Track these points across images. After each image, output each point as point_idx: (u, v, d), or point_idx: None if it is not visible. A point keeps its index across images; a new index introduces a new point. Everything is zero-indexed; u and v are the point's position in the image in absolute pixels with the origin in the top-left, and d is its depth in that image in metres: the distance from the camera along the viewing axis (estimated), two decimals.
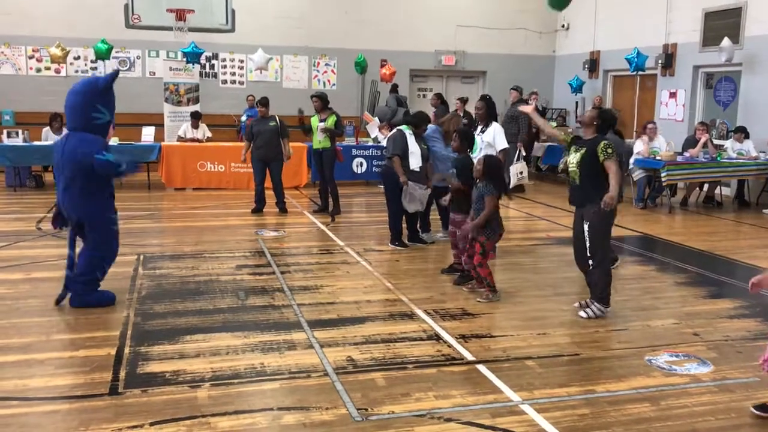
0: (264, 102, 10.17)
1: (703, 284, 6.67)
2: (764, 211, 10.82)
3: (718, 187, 11.82)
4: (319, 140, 9.96)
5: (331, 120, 9.92)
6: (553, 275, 6.93)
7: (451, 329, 5.24)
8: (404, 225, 8.10)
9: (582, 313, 5.58)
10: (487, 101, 7.39)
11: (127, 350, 4.73)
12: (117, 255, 5.91)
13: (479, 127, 7.38)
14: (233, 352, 4.74)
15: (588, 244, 5.55)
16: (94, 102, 5.49)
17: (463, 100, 12.90)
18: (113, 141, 11.73)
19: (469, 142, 6.85)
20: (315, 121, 10.00)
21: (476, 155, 6.94)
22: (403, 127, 7.86)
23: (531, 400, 4.05)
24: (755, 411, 3.92)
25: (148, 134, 12.27)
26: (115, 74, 5.59)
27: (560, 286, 6.45)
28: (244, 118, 13.89)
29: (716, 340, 5.10)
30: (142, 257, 7.30)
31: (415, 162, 7.60)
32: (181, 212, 10.27)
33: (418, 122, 7.81)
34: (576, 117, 15.84)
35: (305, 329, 5.20)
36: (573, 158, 5.67)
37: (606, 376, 4.42)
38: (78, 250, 5.70)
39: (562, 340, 5.09)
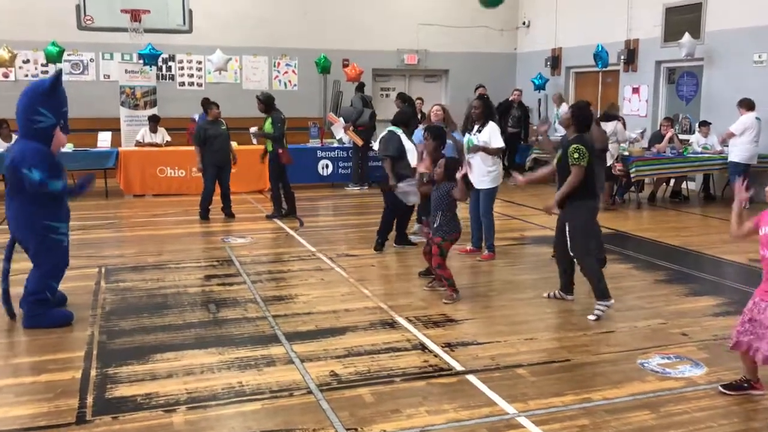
0: (215, 105, 9.89)
1: (683, 281, 6.60)
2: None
3: (684, 181, 11.88)
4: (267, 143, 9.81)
5: (267, 122, 9.72)
6: (531, 276, 6.79)
7: (436, 337, 5.04)
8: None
9: (591, 317, 5.45)
10: (484, 101, 7.28)
11: (93, 372, 4.41)
12: (65, 269, 5.49)
13: (476, 127, 7.21)
14: (208, 370, 4.46)
15: (569, 243, 5.61)
16: (35, 105, 5.12)
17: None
18: (67, 147, 11.25)
19: (441, 139, 6.68)
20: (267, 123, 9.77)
21: (472, 155, 6.86)
22: (392, 128, 7.66)
23: (527, 411, 3.86)
24: (723, 390, 4.08)
25: (104, 140, 11.83)
26: (58, 75, 5.20)
27: (540, 287, 6.29)
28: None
29: (705, 340, 5.00)
30: (103, 270, 6.94)
31: (414, 159, 7.44)
32: (141, 220, 9.87)
33: (407, 121, 7.67)
34: (539, 114, 15.85)
35: (283, 343, 4.94)
36: (556, 159, 5.79)
37: (600, 382, 4.27)
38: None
39: (550, 345, 4.93)
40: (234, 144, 11.64)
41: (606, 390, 4.15)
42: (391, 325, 5.34)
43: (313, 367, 4.50)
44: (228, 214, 9.87)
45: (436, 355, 4.70)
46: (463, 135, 7.39)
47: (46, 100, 5.14)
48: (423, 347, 4.86)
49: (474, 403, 3.98)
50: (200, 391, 4.14)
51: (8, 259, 5.36)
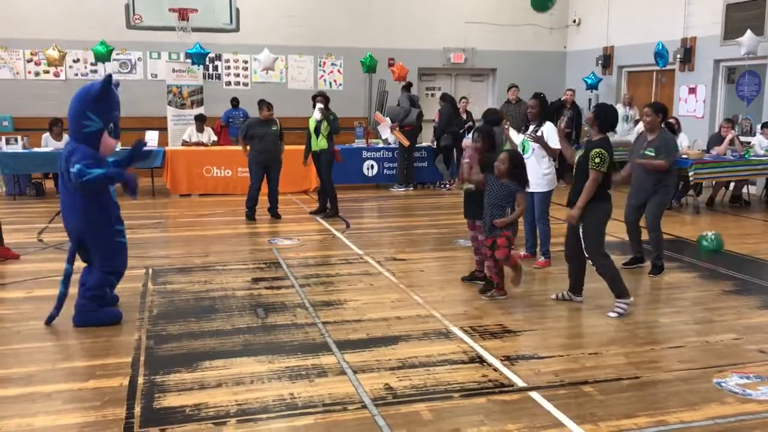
0: (270, 104, 9.82)
1: (753, 293, 6.23)
2: None
3: (745, 185, 11.38)
4: (316, 141, 9.70)
5: (324, 123, 9.69)
6: (589, 284, 6.39)
7: (494, 350, 4.80)
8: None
9: (611, 314, 5.48)
10: (541, 100, 6.96)
11: (141, 380, 4.29)
12: (125, 269, 5.50)
13: (531, 127, 6.94)
14: (258, 380, 4.29)
15: (583, 244, 5.56)
16: (84, 109, 5.08)
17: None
18: (152, 139, 11.44)
19: (491, 141, 6.43)
20: (313, 122, 9.64)
21: (528, 156, 6.60)
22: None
23: None
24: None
25: (151, 139, 11.81)
26: (107, 79, 5.13)
27: (597, 296, 5.97)
28: (224, 120, 13.43)
29: None
30: (150, 271, 6.86)
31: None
32: (188, 220, 9.82)
33: (497, 120, 7.41)
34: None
35: (334, 352, 4.75)
36: (577, 161, 5.66)
37: (675, 403, 3.98)
38: (77, 265, 5.31)
39: (616, 360, 4.64)
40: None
41: (682, 412, 3.86)
42: (446, 335, 5.11)
43: (367, 379, 4.30)
44: (274, 215, 9.77)
45: (495, 369, 4.46)
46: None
47: (95, 104, 5.07)
48: (481, 360, 4.62)
49: (539, 423, 3.73)
50: (250, 402, 3.98)
51: (71, 262, 5.32)
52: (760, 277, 6.78)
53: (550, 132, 6.79)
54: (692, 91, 13.41)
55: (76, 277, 5.41)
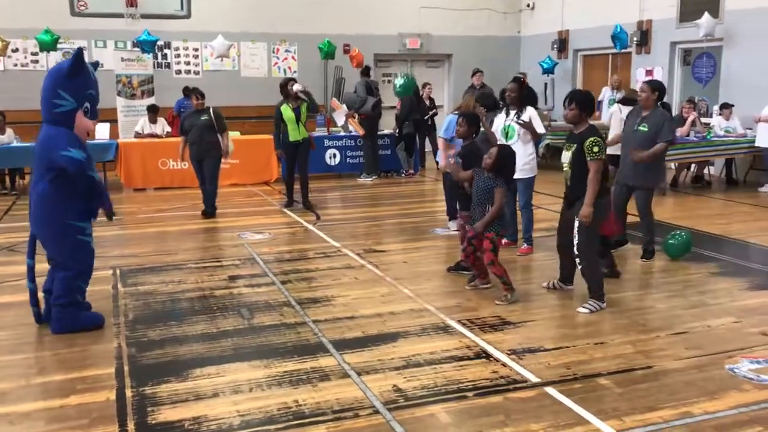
0: (201, 93, 9.12)
1: (739, 274, 6.23)
2: (760, 189, 10.55)
3: (706, 166, 11.54)
4: (298, 130, 9.33)
5: (304, 107, 9.41)
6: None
7: (497, 343, 4.62)
8: None
9: (583, 309, 5.21)
10: (520, 83, 6.75)
11: (129, 393, 3.95)
12: (92, 271, 5.11)
13: (512, 113, 6.75)
14: (257, 387, 4.01)
15: (576, 241, 5.22)
16: (56, 87, 4.69)
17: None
18: (103, 132, 10.80)
19: (476, 127, 6.25)
20: (287, 111, 9.27)
21: (513, 142, 6.40)
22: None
23: (626, 430, 3.46)
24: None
25: (102, 131, 11.23)
26: (77, 54, 4.69)
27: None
28: (176, 110, 12.89)
29: None
30: (118, 271, 6.46)
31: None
32: (148, 216, 9.35)
33: (493, 104, 7.16)
34: (545, 100, 15.42)
35: (332, 352, 4.50)
36: (565, 156, 5.35)
37: (694, 392, 3.87)
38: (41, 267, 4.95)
39: (624, 349, 4.52)
40: (236, 134, 11.17)
41: (704, 402, 3.75)
42: (445, 329, 4.92)
43: (373, 381, 4.07)
44: (208, 212, 9.03)
45: (504, 365, 4.28)
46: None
47: (67, 81, 4.67)
48: (487, 355, 4.44)
49: (563, 421, 3.57)
50: (254, 412, 3.70)
51: (31, 256, 4.93)
52: (741, 258, 6.80)
53: (532, 116, 6.65)
54: (649, 73, 13.50)
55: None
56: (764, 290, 5.74)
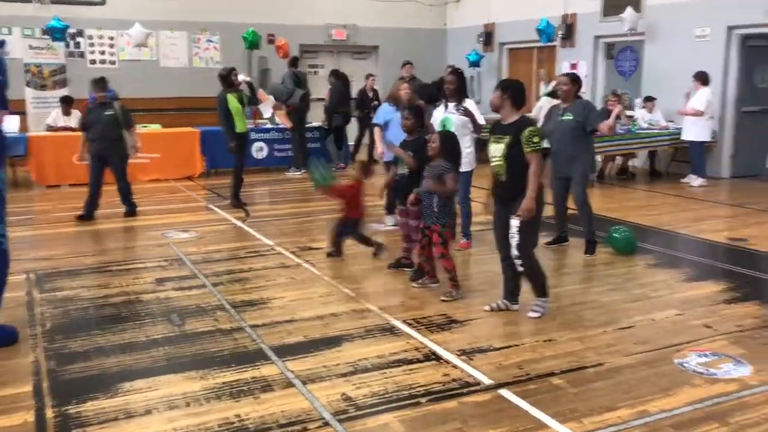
0: (102, 85, 8.37)
1: (675, 265, 6.29)
2: (683, 180, 10.82)
3: (630, 158, 11.78)
4: (243, 121, 9.05)
5: (234, 98, 9.00)
6: None
7: (446, 344, 4.46)
8: None
9: (533, 314, 4.94)
10: (459, 75, 6.59)
11: (50, 413, 3.58)
12: (7, 277, 4.68)
13: (451, 104, 6.58)
14: (194, 401, 3.70)
15: (516, 241, 4.87)
16: None
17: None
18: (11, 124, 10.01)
19: (422, 120, 6.12)
20: (234, 102, 8.84)
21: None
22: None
23: None
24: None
25: (11, 124, 10.47)
26: None
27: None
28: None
29: (732, 332, 4.65)
30: (32, 276, 5.96)
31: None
32: (63, 215, 8.73)
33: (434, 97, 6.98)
34: (472, 93, 15.43)
35: (274, 360, 4.23)
36: (495, 150, 4.91)
37: (648, 389, 3.81)
38: None
39: (573, 346, 4.43)
40: (150, 127, 10.64)
41: (659, 399, 3.69)
42: (390, 330, 4.72)
43: (319, 389, 3.83)
44: (128, 211, 8.53)
45: (455, 366, 4.12)
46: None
47: None
48: (436, 357, 4.27)
49: (522, 425, 3.43)
50: (192, 430, 3.40)
51: None
52: (673, 249, 6.91)
53: (472, 108, 6.53)
54: (573, 67, 13.67)
55: None
56: (702, 281, 5.81)
